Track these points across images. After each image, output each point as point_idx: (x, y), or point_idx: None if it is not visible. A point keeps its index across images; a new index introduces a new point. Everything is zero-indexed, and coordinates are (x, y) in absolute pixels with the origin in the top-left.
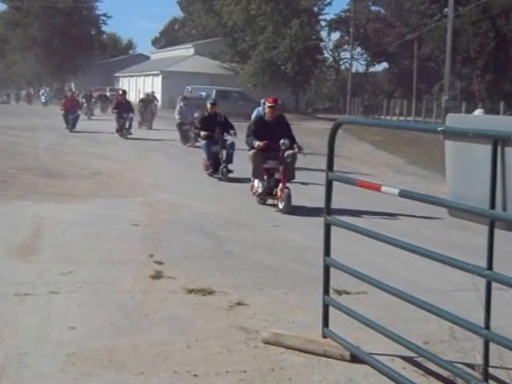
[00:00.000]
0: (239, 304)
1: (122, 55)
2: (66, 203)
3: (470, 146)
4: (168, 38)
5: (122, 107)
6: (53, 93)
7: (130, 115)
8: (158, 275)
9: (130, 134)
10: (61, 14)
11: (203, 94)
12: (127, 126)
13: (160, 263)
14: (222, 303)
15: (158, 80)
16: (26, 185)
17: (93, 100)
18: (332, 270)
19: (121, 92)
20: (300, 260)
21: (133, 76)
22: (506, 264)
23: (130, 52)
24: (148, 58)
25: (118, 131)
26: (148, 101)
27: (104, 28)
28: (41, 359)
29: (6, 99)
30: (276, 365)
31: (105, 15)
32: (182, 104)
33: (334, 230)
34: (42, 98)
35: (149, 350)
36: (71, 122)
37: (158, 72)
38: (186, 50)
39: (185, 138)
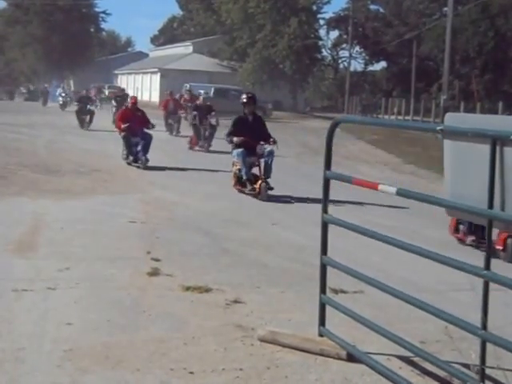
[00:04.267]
0: (236, 302)
1: (120, 53)
2: (64, 200)
3: (469, 145)
4: (167, 35)
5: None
6: (72, 92)
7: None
8: (154, 272)
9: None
10: (60, 12)
11: (201, 92)
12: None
13: (157, 260)
14: (218, 301)
15: (157, 78)
16: (24, 181)
17: (126, 103)
18: (329, 268)
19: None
20: (297, 258)
21: (131, 73)
22: (503, 264)
23: (129, 49)
24: (147, 55)
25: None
26: (205, 108)
27: (103, 25)
28: (38, 355)
29: (28, 96)
30: (272, 363)
31: (104, 13)
32: None
33: (331, 228)
34: (60, 98)
35: (145, 347)
36: (142, 149)
37: (156, 70)
38: (184, 48)
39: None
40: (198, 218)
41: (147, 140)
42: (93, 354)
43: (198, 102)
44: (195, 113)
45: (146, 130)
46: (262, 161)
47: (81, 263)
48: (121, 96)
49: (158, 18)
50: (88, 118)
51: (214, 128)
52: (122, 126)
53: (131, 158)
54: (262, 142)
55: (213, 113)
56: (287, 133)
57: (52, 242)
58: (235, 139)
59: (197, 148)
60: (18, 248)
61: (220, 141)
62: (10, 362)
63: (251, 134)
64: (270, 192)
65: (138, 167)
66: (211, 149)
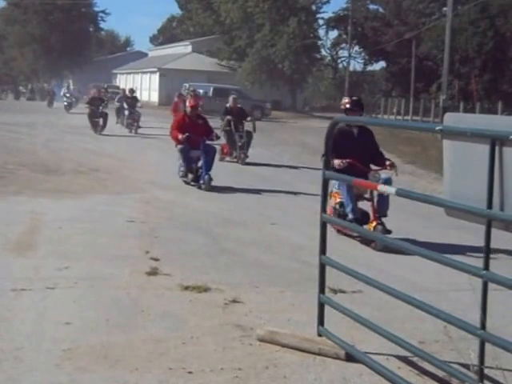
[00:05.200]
0: (234, 301)
1: (119, 52)
2: (63, 199)
3: (468, 145)
4: (166, 35)
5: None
6: (77, 92)
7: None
8: (153, 272)
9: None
10: (59, 11)
11: (200, 91)
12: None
13: (156, 260)
14: (217, 300)
15: (156, 77)
16: (23, 180)
17: (139, 105)
18: (328, 268)
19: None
20: (296, 258)
21: (130, 73)
22: (503, 264)
23: (128, 49)
24: (146, 55)
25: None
26: (238, 112)
27: (102, 25)
28: (36, 354)
29: (30, 96)
30: (271, 363)
31: (103, 12)
32: None
33: (329, 228)
34: (65, 99)
35: (144, 347)
36: (205, 165)
37: (155, 69)
38: (183, 48)
39: None
40: (197, 218)
41: (211, 154)
42: (91, 353)
43: (228, 105)
44: (229, 117)
45: (208, 142)
46: (376, 193)
47: (80, 262)
48: (131, 97)
49: (157, 18)
50: (101, 121)
51: (250, 135)
52: (180, 137)
53: (190, 176)
54: (374, 167)
55: (248, 118)
56: (286, 132)
57: (51, 241)
58: (337, 162)
59: (228, 159)
60: (16, 247)
61: (254, 150)
62: (9, 361)
63: (359, 155)
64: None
65: (200, 188)
66: (247, 160)
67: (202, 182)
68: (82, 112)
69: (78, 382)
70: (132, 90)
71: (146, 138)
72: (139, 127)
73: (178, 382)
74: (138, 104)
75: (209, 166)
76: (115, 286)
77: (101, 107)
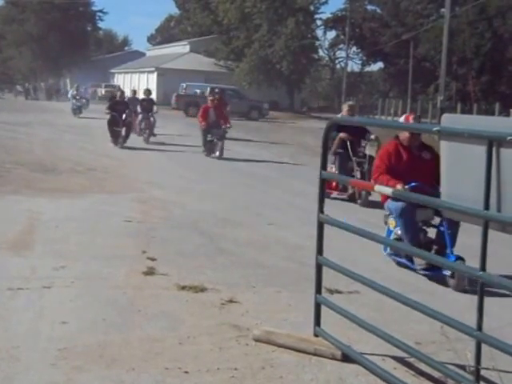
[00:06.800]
0: (231, 301)
1: (117, 51)
2: (60, 198)
3: (466, 146)
4: (164, 35)
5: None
6: (87, 93)
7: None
8: (150, 271)
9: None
10: (57, 10)
11: (198, 91)
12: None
13: (153, 259)
14: (213, 300)
15: (153, 77)
16: (20, 180)
17: (155, 109)
18: (324, 268)
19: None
20: (292, 258)
21: (128, 73)
22: (500, 265)
23: (126, 48)
24: (144, 54)
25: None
26: (357, 128)
27: (100, 24)
28: (32, 353)
29: (33, 95)
30: (267, 363)
31: (101, 11)
32: None
33: (326, 228)
34: (74, 101)
35: (140, 346)
36: (450, 243)
37: (153, 69)
38: (181, 48)
39: None
40: (194, 218)
41: (457, 222)
42: (88, 352)
43: (339, 116)
44: (343, 135)
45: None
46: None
47: (76, 262)
48: (147, 100)
49: (155, 17)
50: (124, 131)
51: (372, 162)
52: (400, 188)
53: (422, 264)
54: None
55: (372, 136)
56: (284, 133)
57: (47, 240)
58: None
59: (336, 195)
60: (13, 246)
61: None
62: (5, 361)
63: None
64: None
65: (447, 285)
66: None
67: (447, 273)
68: (94, 117)
69: (75, 381)
70: (148, 91)
71: (158, 145)
72: (153, 135)
73: (175, 381)
74: (154, 108)
75: (454, 241)
76: (112, 286)
77: (125, 114)
